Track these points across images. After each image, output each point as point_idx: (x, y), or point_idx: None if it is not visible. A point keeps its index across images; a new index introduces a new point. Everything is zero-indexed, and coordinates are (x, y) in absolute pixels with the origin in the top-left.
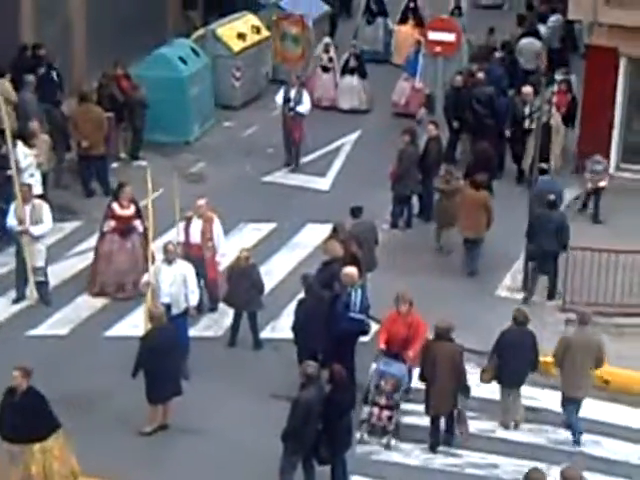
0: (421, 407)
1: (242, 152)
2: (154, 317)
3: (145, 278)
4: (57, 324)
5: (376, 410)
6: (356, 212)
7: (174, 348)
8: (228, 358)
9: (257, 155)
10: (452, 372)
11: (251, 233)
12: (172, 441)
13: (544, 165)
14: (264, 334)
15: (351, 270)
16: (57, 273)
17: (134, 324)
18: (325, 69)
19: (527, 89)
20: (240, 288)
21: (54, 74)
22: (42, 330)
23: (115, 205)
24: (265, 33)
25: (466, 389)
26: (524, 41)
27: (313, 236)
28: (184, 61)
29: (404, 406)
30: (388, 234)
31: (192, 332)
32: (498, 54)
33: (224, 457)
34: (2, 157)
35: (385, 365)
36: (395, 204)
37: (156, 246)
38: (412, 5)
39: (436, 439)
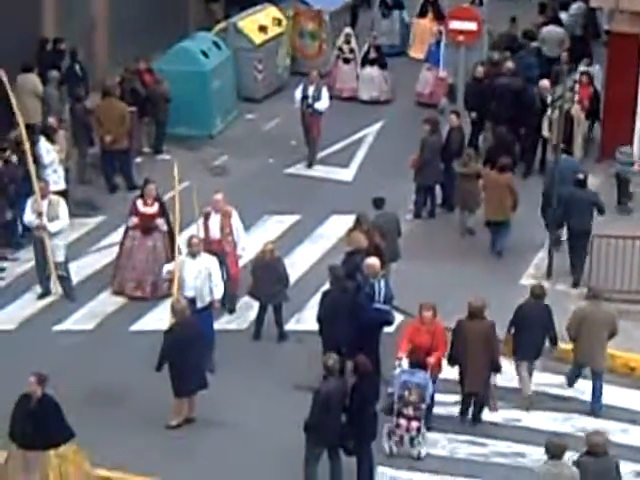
0: (447, 397)
1: (265, 144)
2: (177, 311)
3: (169, 267)
4: (83, 319)
5: (403, 421)
6: (378, 203)
7: (198, 341)
8: (253, 351)
9: (280, 147)
10: (486, 349)
11: (275, 225)
12: (198, 434)
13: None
14: (289, 326)
15: (373, 261)
16: (81, 268)
17: (159, 318)
18: (346, 60)
19: (544, 83)
20: (265, 281)
21: (77, 68)
22: (68, 325)
23: (139, 202)
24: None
25: (498, 366)
26: (547, 29)
27: (337, 227)
28: (206, 54)
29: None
30: (411, 224)
31: (216, 325)
32: (534, 44)
33: (250, 449)
34: (22, 153)
35: (408, 375)
36: (418, 194)
37: (180, 240)
38: None
39: (465, 416)
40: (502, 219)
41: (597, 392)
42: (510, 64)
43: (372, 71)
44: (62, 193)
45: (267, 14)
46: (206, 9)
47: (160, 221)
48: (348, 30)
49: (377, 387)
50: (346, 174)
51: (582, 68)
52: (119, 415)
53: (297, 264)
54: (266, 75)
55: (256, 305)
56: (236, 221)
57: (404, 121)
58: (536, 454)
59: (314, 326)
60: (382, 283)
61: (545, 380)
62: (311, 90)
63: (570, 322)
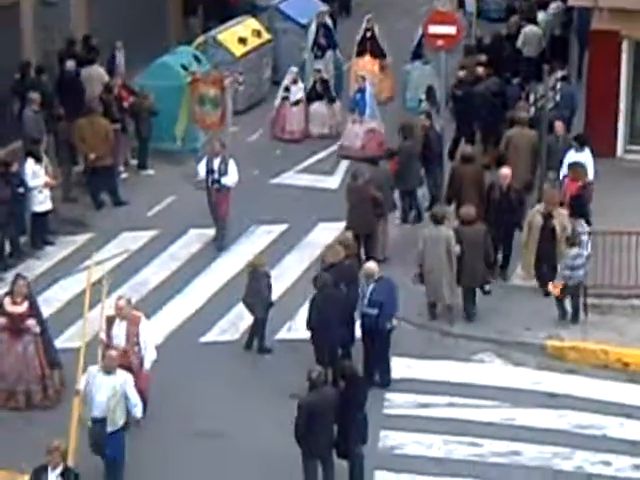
0: (441, 399)
1: (249, 156)
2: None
3: (78, 385)
4: None
5: None
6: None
7: None
8: (246, 361)
9: (264, 158)
10: (477, 187)
11: (263, 235)
12: (194, 445)
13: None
14: (280, 335)
15: (371, 264)
16: (69, 286)
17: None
18: (294, 102)
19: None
20: (257, 289)
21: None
22: None
23: (6, 300)
24: (266, 36)
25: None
26: (529, 29)
27: (325, 235)
28: (186, 68)
29: (425, 398)
30: (400, 229)
31: (209, 337)
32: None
33: (247, 460)
34: (10, 174)
35: None
36: (402, 199)
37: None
38: (369, 35)
39: None
40: None
41: None
42: (480, 69)
43: (319, 107)
44: (48, 212)
45: (246, 26)
46: (185, 23)
47: (31, 322)
48: (294, 69)
49: (365, 391)
50: (332, 182)
51: (559, 74)
52: None
53: (286, 273)
54: (247, 87)
55: (247, 315)
56: (144, 328)
57: (387, 126)
58: (533, 452)
59: (306, 334)
60: (371, 287)
61: (539, 378)
62: (216, 163)
63: (501, 145)
